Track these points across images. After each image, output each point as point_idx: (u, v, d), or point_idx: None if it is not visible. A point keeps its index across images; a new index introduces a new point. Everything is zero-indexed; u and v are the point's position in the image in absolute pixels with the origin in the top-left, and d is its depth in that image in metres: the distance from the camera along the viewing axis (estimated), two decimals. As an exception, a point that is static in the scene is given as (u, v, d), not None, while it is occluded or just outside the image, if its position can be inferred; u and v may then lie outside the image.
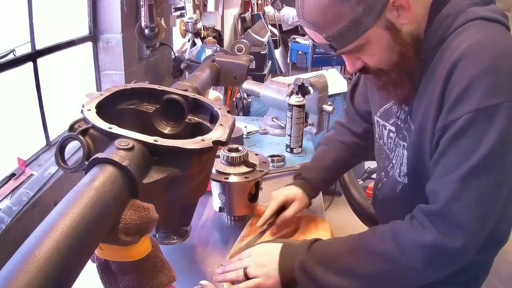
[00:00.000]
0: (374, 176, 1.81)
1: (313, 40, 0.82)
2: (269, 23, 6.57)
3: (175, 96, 0.82)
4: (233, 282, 0.89)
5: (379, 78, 0.86)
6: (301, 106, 1.55)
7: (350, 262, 0.80)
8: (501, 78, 0.69)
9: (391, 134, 0.96)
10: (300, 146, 1.63)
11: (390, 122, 0.96)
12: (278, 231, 1.09)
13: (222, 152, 1.09)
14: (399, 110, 0.92)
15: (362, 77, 1.14)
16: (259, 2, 7.28)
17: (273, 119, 1.81)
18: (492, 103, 0.68)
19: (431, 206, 0.77)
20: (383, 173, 1.04)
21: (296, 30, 7.17)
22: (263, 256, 0.87)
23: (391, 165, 0.99)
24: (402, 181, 0.94)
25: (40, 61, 1.78)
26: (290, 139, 1.61)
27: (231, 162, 1.07)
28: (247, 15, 6.38)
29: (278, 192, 1.12)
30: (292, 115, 1.56)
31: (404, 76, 0.83)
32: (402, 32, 0.78)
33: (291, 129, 1.59)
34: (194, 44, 3.35)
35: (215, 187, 1.11)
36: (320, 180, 1.16)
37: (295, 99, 1.55)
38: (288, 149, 1.64)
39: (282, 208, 1.09)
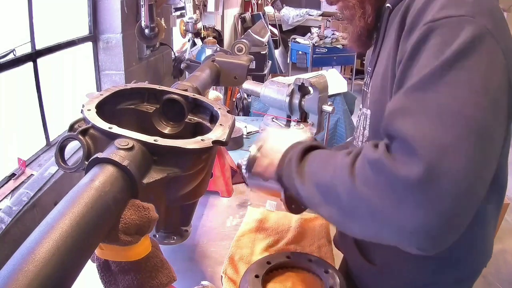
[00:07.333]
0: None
1: None
2: (269, 23, 6.57)
3: (175, 96, 0.82)
4: (234, 282, 0.89)
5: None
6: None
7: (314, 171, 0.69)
8: None
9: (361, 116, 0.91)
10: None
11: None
12: (275, 231, 1.09)
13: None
14: (366, 77, 0.91)
15: None
16: (259, 2, 7.28)
17: (273, 119, 1.81)
18: (450, 14, 0.60)
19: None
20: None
21: (296, 30, 7.18)
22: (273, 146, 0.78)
23: (357, 137, 0.93)
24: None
25: (40, 61, 1.78)
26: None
27: None
28: (247, 15, 6.38)
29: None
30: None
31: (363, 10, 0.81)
32: None
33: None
34: (194, 44, 3.35)
35: None
36: None
37: None
38: None
39: None
